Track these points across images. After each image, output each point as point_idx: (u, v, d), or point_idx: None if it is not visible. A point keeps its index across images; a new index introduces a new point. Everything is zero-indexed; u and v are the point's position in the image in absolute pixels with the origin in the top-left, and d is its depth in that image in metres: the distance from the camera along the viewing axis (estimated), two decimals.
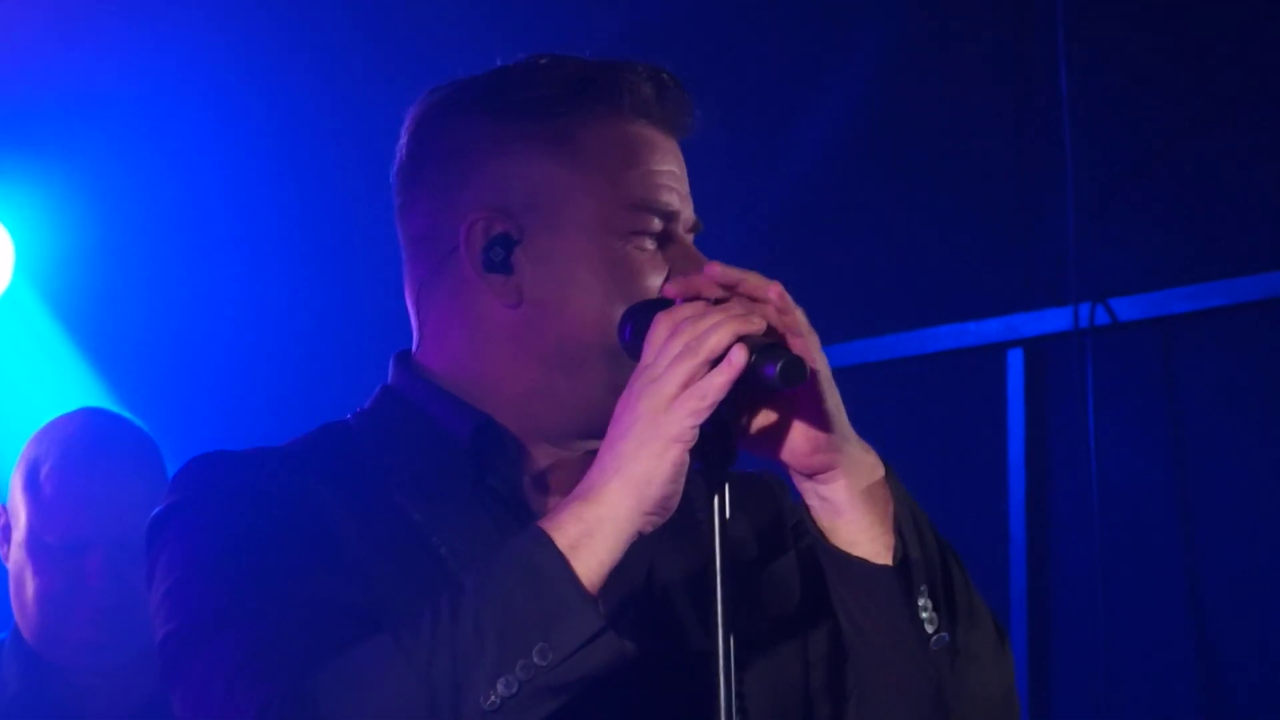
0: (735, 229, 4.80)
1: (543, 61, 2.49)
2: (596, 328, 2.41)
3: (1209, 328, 4.40)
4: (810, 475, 2.34)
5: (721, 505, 2.28)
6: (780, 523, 2.56)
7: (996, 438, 4.66)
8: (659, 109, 2.47)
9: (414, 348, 2.54)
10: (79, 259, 5.17)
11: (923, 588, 2.34)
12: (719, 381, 2.22)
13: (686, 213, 2.47)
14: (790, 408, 2.32)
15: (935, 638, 2.35)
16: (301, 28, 5.05)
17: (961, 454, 4.74)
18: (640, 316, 2.35)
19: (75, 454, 3.90)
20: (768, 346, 2.24)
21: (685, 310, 2.28)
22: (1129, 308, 4.49)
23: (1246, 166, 4.36)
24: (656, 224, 2.43)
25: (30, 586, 3.86)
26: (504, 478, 2.44)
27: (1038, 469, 4.64)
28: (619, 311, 2.39)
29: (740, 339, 2.23)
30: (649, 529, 2.25)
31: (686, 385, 2.22)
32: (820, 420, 2.31)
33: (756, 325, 2.25)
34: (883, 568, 2.33)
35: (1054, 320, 4.59)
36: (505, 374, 2.45)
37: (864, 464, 2.34)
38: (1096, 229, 4.54)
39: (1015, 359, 4.65)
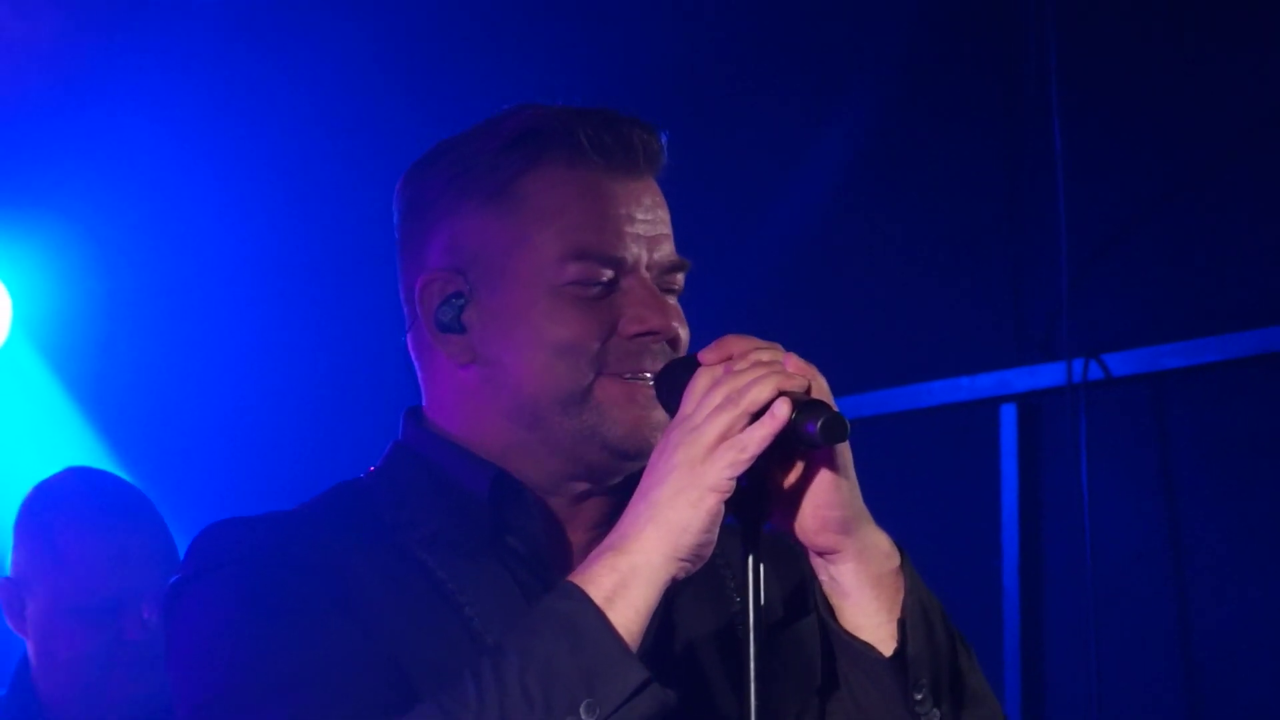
0: (726, 285, 4.80)
1: (498, 116, 2.45)
2: (542, 381, 2.38)
3: (1201, 383, 4.42)
4: (820, 553, 2.32)
5: (756, 562, 2.27)
6: (804, 585, 2.52)
7: (990, 492, 4.67)
8: (613, 153, 2.41)
9: (423, 403, 2.53)
10: (77, 314, 5.17)
11: (922, 681, 2.31)
12: (760, 434, 2.21)
13: (650, 254, 2.42)
14: (805, 483, 2.29)
15: None
16: (303, 85, 5.05)
17: (955, 509, 4.74)
18: (677, 371, 2.33)
19: (86, 514, 3.85)
20: (809, 403, 2.22)
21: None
22: (1121, 363, 4.50)
23: (1239, 222, 4.39)
24: (601, 272, 2.39)
25: (64, 652, 3.80)
26: (522, 534, 2.42)
27: (1031, 523, 4.64)
28: (562, 364, 2.37)
29: (782, 393, 2.22)
30: (682, 575, 2.24)
31: (726, 436, 2.21)
32: (832, 500, 2.29)
33: (798, 382, 2.24)
34: (882, 658, 2.31)
35: (1047, 375, 4.60)
36: (485, 431, 2.44)
37: (876, 550, 2.32)
38: (1089, 284, 4.55)
39: (1009, 414, 4.66)
